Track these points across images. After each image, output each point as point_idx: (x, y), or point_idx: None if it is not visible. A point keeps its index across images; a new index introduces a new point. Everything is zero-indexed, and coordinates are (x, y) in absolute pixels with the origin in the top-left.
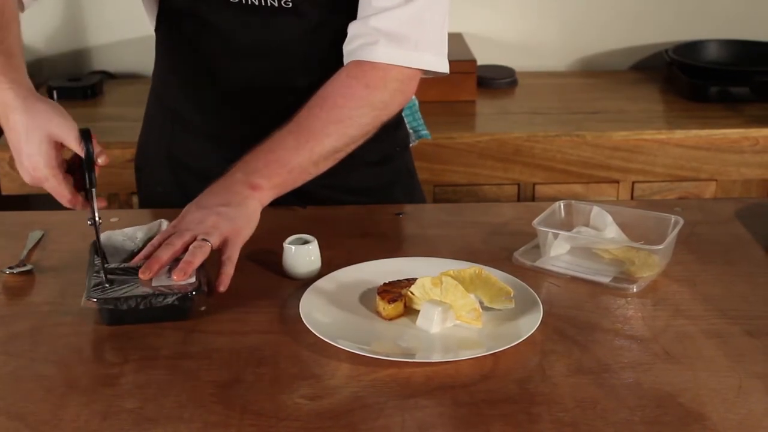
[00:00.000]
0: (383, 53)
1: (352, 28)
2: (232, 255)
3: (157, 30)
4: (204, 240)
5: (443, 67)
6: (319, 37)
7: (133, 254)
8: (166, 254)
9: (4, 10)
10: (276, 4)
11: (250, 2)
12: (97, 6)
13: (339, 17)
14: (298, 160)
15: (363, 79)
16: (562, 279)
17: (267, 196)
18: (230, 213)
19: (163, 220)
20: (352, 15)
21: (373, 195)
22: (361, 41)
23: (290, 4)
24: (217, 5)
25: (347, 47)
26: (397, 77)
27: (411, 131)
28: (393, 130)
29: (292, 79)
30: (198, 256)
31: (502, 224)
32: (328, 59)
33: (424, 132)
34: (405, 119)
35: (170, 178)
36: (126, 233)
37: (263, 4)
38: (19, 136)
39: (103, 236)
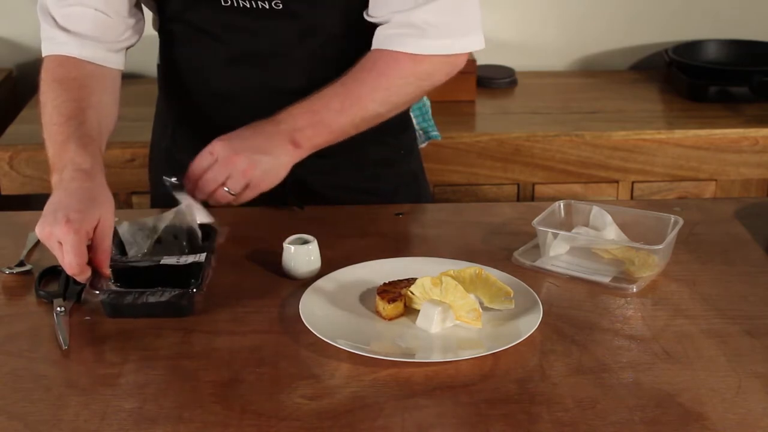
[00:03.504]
0: (429, 45)
1: (396, 18)
2: (246, 197)
3: (159, 32)
4: (227, 191)
5: (482, 44)
6: (312, 38)
7: (153, 245)
8: (202, 196)
9: (81, 97)
10: (267, 6)
11: (241, 5)
12: None
13: (331, 19)
14: (341, 123)
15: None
16: (561, 279)
17: (303, 154)
18: (263, 163)
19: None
20: (344, 16)
21: (379, 195)
22: (405, 31)
23: (280, 5)
24: (209, 10)
25: (386, 31)
26: (443, 58)
27: (421, 132)
28: (399, 132)
29: (286, 81)
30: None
31: (501, 224)
32: (321, 61)
33: (435, 133)
34: (414, 120)
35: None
36: (145, 222)
37: (254, 6)
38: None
39: (122, 227)
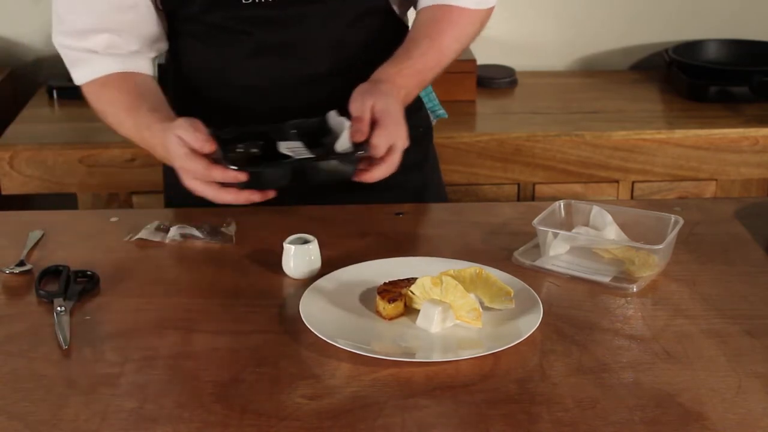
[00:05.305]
0: (475, 0)
1: None
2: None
3: (169, 35)
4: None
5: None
6: (335, 22)
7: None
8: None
9: (131, 89)
10: None
11: (263, 0)
12: None
13: (350, 4)
14: (433, 77)
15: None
16: (561, 279)
17: None
18: None
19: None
20: (364, 1)
21: (405, 173)
22: None
23: None
24: (230, 9)
25: None
26: (487, 11)
27: (429, 112)
28: (416, 111)
29: (311, 68)
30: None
31: (502, 224)
32: (345, 43)
33: (441, 111)
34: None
35: None
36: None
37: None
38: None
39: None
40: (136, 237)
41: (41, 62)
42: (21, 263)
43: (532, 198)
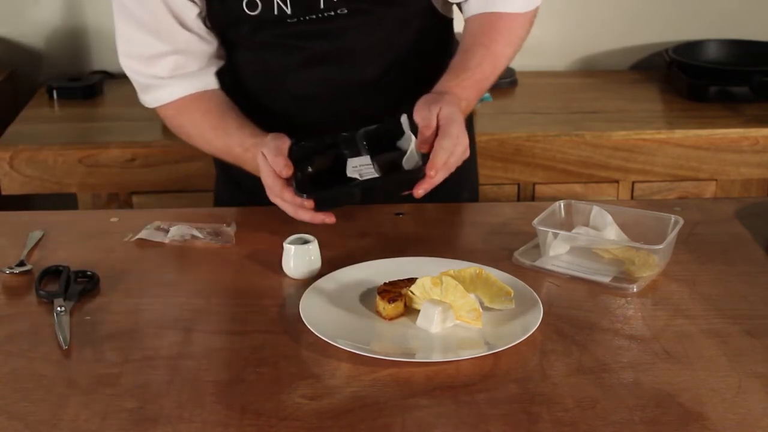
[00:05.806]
0: (528, 3)
1: None
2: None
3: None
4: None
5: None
6: (379, 32)
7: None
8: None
9: (211, 109)
10: (333, 13)
11: (307, 18)
12: (97, 6)
13: (395, 10)
14: (489, 84)
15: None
16: (561, 279)
17: None
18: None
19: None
20: (408, 6)
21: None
22: None
23: (345, 10)
24: (277, 29)
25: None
26: (534, 11)
27: None
28: None
29: (362, 74)
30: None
31: (502, 224)
32: (395, 46)
33: (486, 94)
34: None
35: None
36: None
37: (320, 16)
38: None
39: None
40: (136, 237)
41: (41, 62)
42: (21, 263)
43: (532, 198)
